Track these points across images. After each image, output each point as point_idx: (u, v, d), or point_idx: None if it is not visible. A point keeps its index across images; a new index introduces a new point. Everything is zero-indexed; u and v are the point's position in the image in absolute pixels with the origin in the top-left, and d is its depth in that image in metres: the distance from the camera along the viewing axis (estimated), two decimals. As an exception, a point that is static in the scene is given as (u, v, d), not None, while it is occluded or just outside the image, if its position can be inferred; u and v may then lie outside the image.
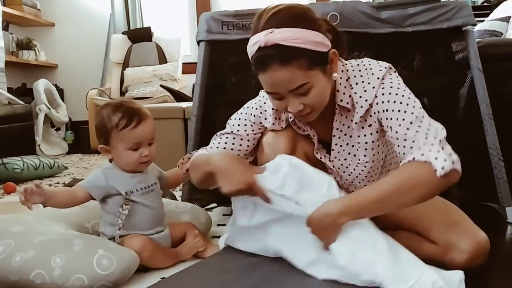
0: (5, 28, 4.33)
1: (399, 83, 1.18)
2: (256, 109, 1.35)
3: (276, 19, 1.10)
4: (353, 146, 1.26)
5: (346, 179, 1.32)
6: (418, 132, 1.09)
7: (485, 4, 3.48)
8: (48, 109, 4.10)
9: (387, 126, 1.16)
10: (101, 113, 1.31)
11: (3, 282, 1.19)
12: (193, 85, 2.40)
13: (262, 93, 1.34)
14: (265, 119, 1.34)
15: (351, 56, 1.76)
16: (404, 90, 1.17)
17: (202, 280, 1.19)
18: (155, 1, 4.81)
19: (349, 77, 1.22)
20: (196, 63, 1.84)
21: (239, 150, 1.37)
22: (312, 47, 1.09)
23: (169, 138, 2.70)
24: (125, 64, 4.42)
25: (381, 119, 1.18)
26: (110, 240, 1.29)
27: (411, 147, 1.10)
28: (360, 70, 1.22)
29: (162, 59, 4.41)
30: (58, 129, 4.47)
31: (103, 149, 1.32)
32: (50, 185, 2.77)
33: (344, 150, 1.28)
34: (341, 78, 1.22)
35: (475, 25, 1.75)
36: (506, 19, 2.50)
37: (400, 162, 1.12)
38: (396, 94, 1.15)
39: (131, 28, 4.63)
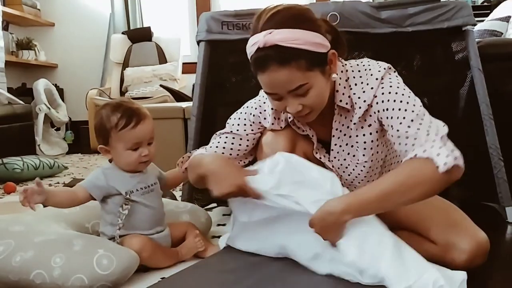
0: (5, 28, 4.33)
1: (398, 83, 1.18)
2: (256, 109, 1.35)
3: (275, 20, 1.10)
4: (352, 146, 1.26)
5: (346, 179, 1.32)
6: (419, 130, 1.09)
7: (485, 4, 3.48)
8: (48, 109, 4.10)
9: (388, 125, 1.16)
10: (100, 114, 1.31)
11: (3, 282, 1.19)
12: (193, 85, 2.40)
13: (262, 93, 1.34)
14: (265, 119, 1.34)
15: (351, 56, 1.76)
16: (404, 89, 1.17)
17: (202, 280, 1.19)
18: (155, 1, 4.81)
19: (348, 78, 1.22)
20: (196, 63, 1.85)
21: (238, 150, 1.37)
22: (311, 48, 1.09)
23: (169, 138, 2.70)
24: (125, 64, 4.42)
25: (381, 118, 1.18)
26: (110, 240, 1.29)
27: (413, 145, 1.09)
28: (359, 71, 1.22)
29: (162, 59, 4.41)
30: (58, 129, 4.47)
31: (102, 149, 1.32)
32: (50, 185, 2.77)
33: (343, 150, 1.28)
34: (340, 78, 1.22)
35: (475, 25, 1.75)
36: (506, 19, 2.50)
37: (401, 161, 1.12)
38: (396, 93, 1.15)
39: (131, 28, 4.63)
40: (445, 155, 1.03)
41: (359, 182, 1.31)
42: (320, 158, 1.31)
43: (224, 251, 1.37)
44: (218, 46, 1.83)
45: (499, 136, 1.69)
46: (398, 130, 1.12)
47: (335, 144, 1.28)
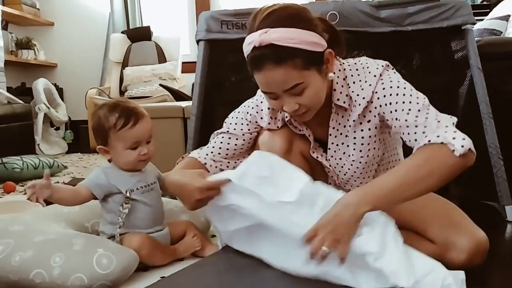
0: (5, 28, 4.33)
1: (398, 78, 1.19)
2: (253, 108, 1.35)
3: (271, 19, 1.10)
4: (348, 145, 1.26)
5: (342, 178, 1.32)
6: (427, 118, 1.09)
7: (485, 3, 3.48)
8: (48, 109, 4.10)
9: (393, 119, 1.15)
10: (98, 114, 1.31)
11: (3, 281, 1.19)
12: (193, 84, 2.41)
13: (260, 92, 1.34)
14: (261, 118, 1.34)
15: (351, 55, 1.76)
16: (405, 83, 1.17)
17: (201, 279, 1.19)
18: (155, 0, 4.80)
19: (346, 76, 1.22)
20: (195, 62, 1.85)
21: (235, 149, 1.37)
22: (307, 47, 1.09)
23: (168, 137, 2.69)
24: (125, 63, 4.41)
25: (383, 113, 1.18)
26: (110, 239, 1.30)
27: (423, 132, 1.08)
28: (357, 69, 1.22)
29: (162, 58, 4.41)
30: (57, 129, 4.47)
31: (101, 150, 1.32)
32: (49, 184, 2.76)
33: (339, 149, 1.28)
34: (338, 77, 1.22)
35: (474, 24, 1.75)
36: (505, 18, 2.50)
37: (399, 160, 1.11)
38: (398, 87, 1.16)
39: (131, 27, 4.62)
40: (461, 138, 1.04)
41: (355, 181, 1.31)
42: (317, 157, 1.32)
43: (223, 251, 1.36)
44: (218, 45, 1.83)
45: (498, 135, 1.69)
46: (406, 120, 1.11)
47: (332, 143, 1.28)
